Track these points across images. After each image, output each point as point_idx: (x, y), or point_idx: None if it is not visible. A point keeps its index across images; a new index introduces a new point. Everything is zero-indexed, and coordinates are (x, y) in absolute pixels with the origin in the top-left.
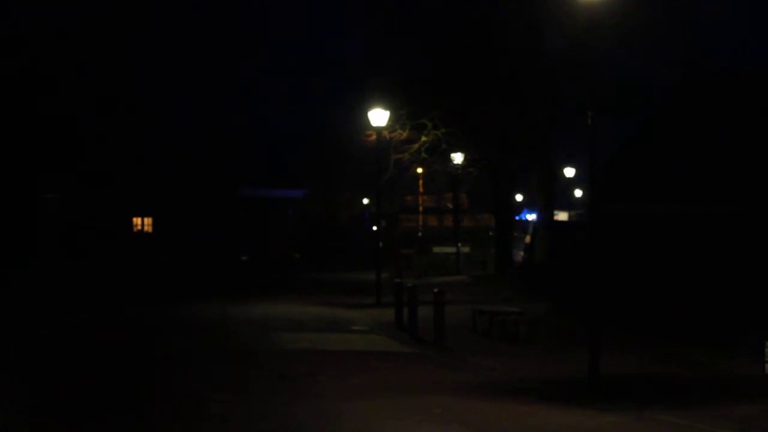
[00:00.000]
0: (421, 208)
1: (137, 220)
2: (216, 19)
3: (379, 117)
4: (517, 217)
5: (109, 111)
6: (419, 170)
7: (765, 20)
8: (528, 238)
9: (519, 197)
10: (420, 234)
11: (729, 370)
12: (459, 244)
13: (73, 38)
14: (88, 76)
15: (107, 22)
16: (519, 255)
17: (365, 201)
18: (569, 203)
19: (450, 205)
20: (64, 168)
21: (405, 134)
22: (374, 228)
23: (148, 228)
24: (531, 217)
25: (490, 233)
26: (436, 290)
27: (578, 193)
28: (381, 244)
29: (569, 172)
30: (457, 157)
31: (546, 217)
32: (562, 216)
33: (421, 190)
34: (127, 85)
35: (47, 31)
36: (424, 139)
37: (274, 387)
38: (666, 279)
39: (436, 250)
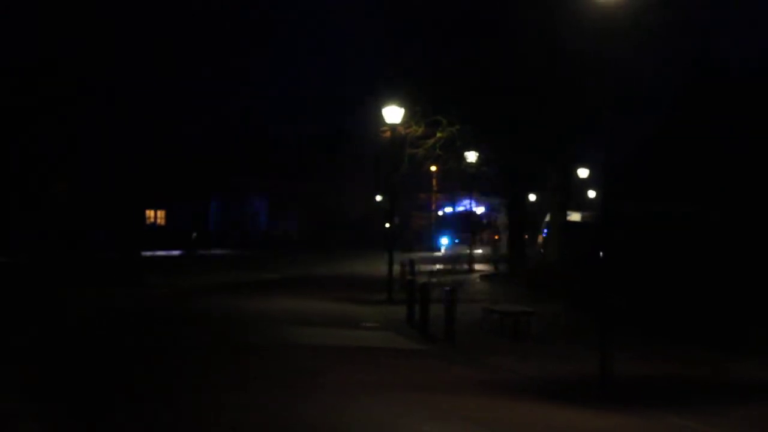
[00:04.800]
0: (434, 206)
1: (150, 213)
2: (229, 23)
3: (393, 114)
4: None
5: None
6: (433, 168)
7: None
8: (541, 238)
9: (532, 197)
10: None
11: (742, 372)
12: (471, 243)
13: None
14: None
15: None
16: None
17: (378, 198)
18: (583, 204)
19: None
20: (74, 160)
21: (420, 130)
22: (387, 225)
23: (161, 221)
24: (481, 210)
25: (496, 237)
26: (447, 288)
27: (592, 194)
28: (393, 241)
29: (583, 172)
30: (471, 156)
31: (560, 217)
32: (574, 216)
33: (435, 188)
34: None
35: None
36: (439, 135)
37: (283, 382)
38: (680, 279)
39: (450, 249)
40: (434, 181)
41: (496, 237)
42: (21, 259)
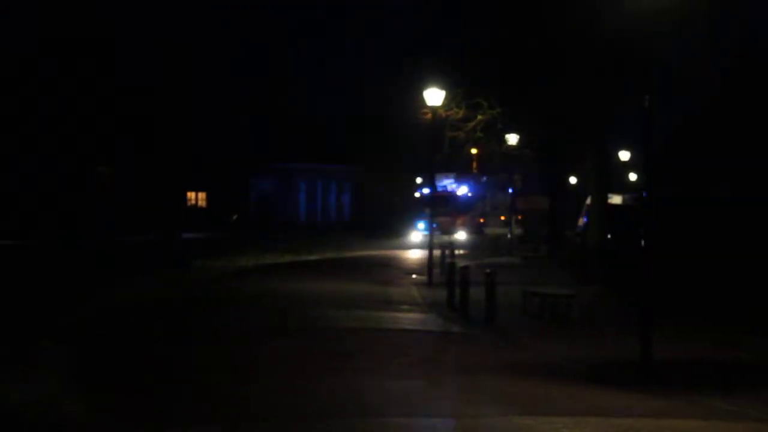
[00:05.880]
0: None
1: (191, 195)
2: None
3: (434, 96)
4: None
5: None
6: (473, 151)
7: None
8: (581, 221)
9: (573, 180)
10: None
11: None
12: (512, 226)
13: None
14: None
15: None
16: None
17: (419, 180)
18: (623, 186)
19: None
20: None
21: (461, 113)
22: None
23: (202, 203)
24: (461, 189)
25: (482, 219)
26: (488, 271)
27: (633, 176)
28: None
29: (624, 155)
30: (512, 138)
31: (600, 200)
32: (615, 199)
33: (475, 170)
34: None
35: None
36: (480, 117)
37: (322, 364)
38: (723, 263)
39: (489, 231)
40: (474, 164)
41: (482, 220)
42: (62, 241)
